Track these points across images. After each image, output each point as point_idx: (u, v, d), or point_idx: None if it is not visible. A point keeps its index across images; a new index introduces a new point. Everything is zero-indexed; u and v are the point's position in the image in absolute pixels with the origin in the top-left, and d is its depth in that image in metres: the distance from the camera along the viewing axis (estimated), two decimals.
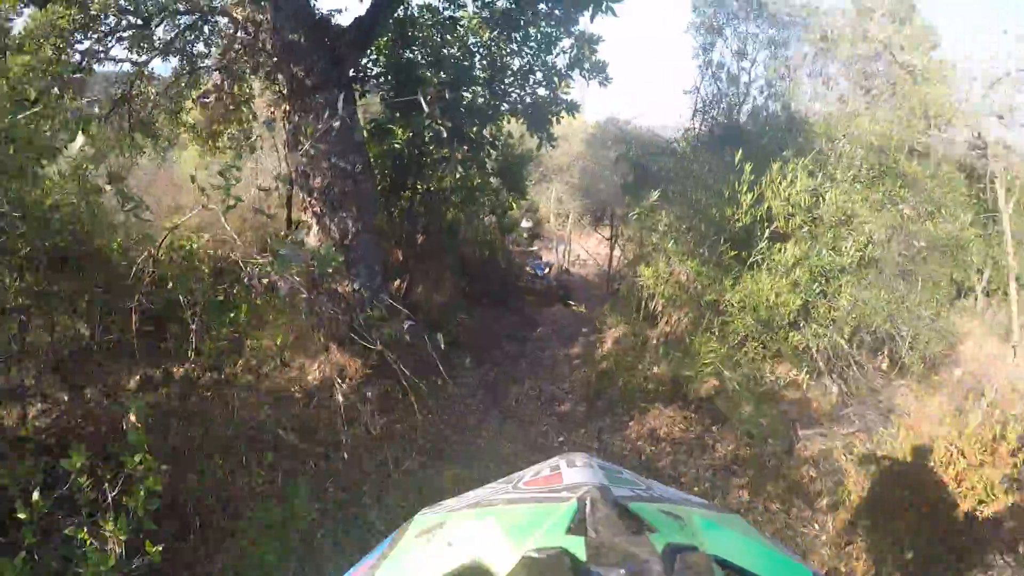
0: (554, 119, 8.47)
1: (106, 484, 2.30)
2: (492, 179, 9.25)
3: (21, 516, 2.07)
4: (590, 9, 6.84)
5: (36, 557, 2.06)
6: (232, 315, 3.11)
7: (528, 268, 15.16)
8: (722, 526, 0.89)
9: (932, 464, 4.60)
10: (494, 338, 9.21)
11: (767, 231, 7.07)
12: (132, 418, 2.24)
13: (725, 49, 11.14)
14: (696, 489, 5.68)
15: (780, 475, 5.90)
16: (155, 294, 3.00)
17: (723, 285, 6.99)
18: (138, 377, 3.46)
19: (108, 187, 2.87)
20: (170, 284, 2.88)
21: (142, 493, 2.19)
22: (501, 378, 7.83)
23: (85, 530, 2.09)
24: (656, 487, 1.05)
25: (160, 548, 2.23)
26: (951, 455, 4.41)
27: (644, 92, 28.59)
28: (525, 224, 15.44)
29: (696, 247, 7.51)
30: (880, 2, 9.30)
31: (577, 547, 0.68)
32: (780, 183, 6.97)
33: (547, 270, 15.50)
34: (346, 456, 4.98)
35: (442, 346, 4.08)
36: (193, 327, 2.78)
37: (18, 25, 6.55)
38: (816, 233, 7.12)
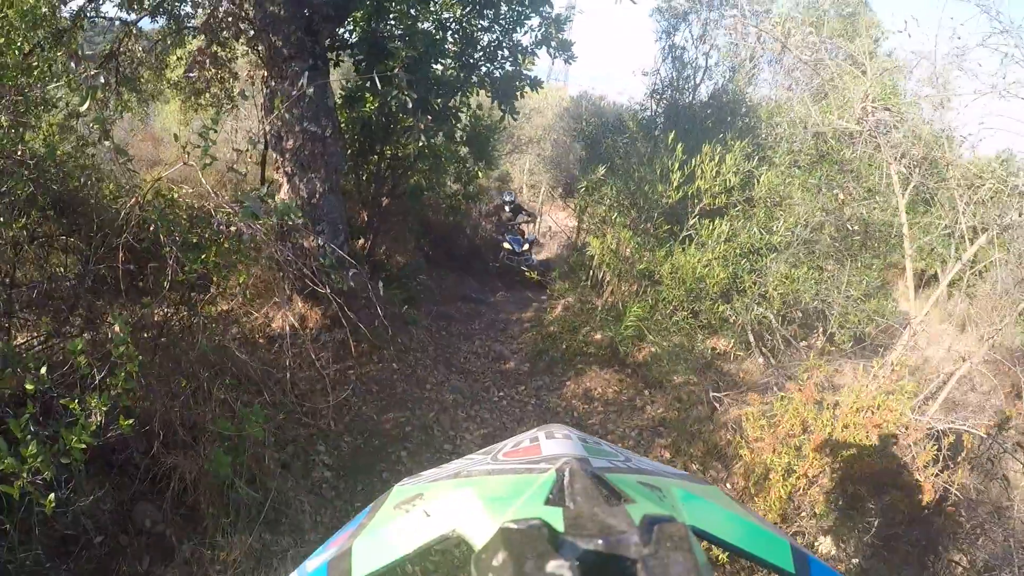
0: (518, 93, 9.13)
1: (94, 369, 2.98)
2: (461, 148, 9.82)
3: (28, 387, 2.75)
4: None
5: (33, 427, 2.70)
6: (204, 256, 3.80)
7: (505, 244, 13.17)
8: (700, 497, 0.92)
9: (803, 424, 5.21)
10: (452, 299, 9.90)
11: (697, 208, 7.75)
12: (116, 328, 2.91)
13: (689, 34, 11.90)
14: (621, 446, 6.24)
15: (700, 438, 6.51)
16: (139, 235, 3.68)
17: (656, 256, 7.69)
18: (120, 305, 4.10)
19: (107, 143, 3.52)
20: (151, 227, 3.55)
21: (123, 374, 2.87)
22: (454, 336, 8.51)
23: (76, 402, 2.75)
24: (635, 459, 1.11)
25: (131, 422, 2.93)
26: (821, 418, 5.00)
27: (626, 71, 29.17)
28: (507, 197, 14.01)
29: (636, 221, 8.23)
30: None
31: (555, 518, 0.69)
32: (708, 164, 7.64)
33: (527, 246, 13.34)
34: (296, 396, 5.68)
35: (381, 292, 4.70)
36: (170, 263, 3.45)
37: None
38: (749, 213, 7.82)
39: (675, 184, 7.74)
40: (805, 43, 6.24)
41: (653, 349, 7.53)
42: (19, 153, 3.54)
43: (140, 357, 2.96)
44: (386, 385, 6.60)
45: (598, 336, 7.91)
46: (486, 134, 10.03)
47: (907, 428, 4.68)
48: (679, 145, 7.66)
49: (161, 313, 4.43)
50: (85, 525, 3.50)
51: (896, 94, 6.34)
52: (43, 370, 2.72)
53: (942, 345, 8.12)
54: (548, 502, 0.75)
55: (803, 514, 4.73)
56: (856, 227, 7.60)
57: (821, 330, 7.97)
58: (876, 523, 4.50)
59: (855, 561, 4.62)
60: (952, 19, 8.99)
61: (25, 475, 2.48)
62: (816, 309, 7.66)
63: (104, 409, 2.75)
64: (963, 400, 7.04)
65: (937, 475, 4.56)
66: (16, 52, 4.14)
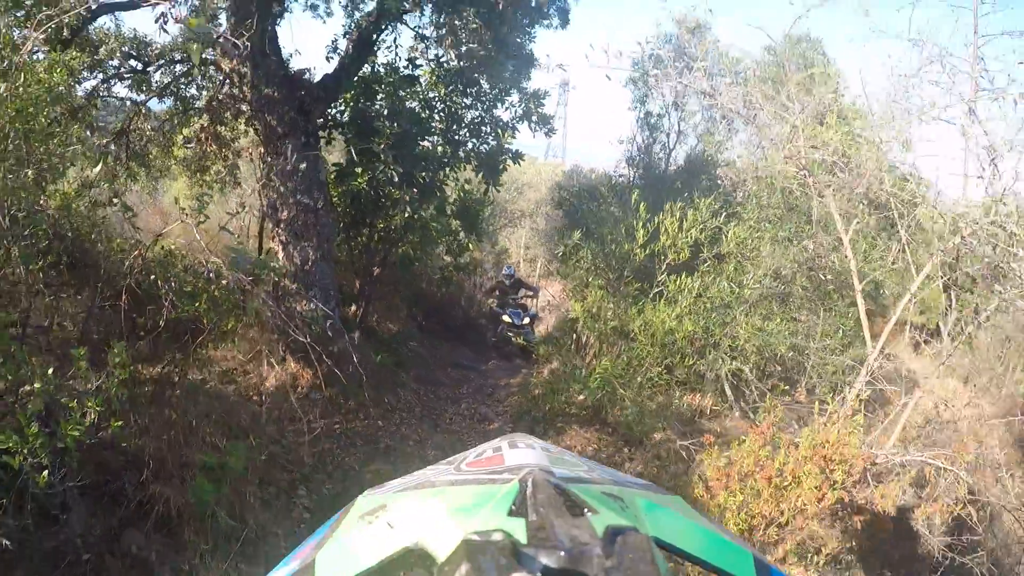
0: (502, 167, 9.74)
1: (93, 376, 3.41)
2: (452, 221, 10.34)
3: (37, 385, 3.16)
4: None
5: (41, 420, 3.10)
6: (196, 302, 4.27)
7: (505, 317, 13.07)
8: (663, 507, 0.91)
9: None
10: (443, 366, 10.30)
11: (664, 265, 8.18)
12: (115, 350, 3.35)
13: (662, 101, 12.71)
14: None
15: (677, 490, 6.76)
16: (140, 281, 4.15)
17: (629, 314, 8.09)
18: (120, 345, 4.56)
19: (115, 200, 4.03)
20: (152, 276, 4.02)
21: (116, 380, 3.29)
22: (441, 399, 8.87)
23: (75, 402, 3.16)
24: (598, 469, 1.09)
25: (120, 424, 3.36)
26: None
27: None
28: (506, 271, 14.17)
29: (610, 281, 8.68)
30: (792, 53, 10.66)
31: (518, 529, 0.70)
32: (671, 221, 8.09)
33: (527, 320, 13.26)
34: (282, 446, 6.04)
35: (355, 348, 5.12)
36: (165, 304, 3.90)
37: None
38: (719, 268, 8.24)
39: (640, 242, 8.20)
40: (730, 93, 6.69)
41: (632, 407, 7.78)
42: (40, 203, 4.02)
43: (132, 366, 3.38)
44: (370, 440, 6.94)
45: (580, 397, 8.23)
46: (475, 207, 10.55)
47: (861, 460, 4.95)
48: (642, 204, 8.16)
49: (158, 360, 4.88)
50: (75, 543, 3.86)
51: (850, 136, 6.62)
52: (49, 371, 3.16)
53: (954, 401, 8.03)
54: (511, 513, 0.75)
55: (763, 552, 4.96)
56: (828, 276, 7.89)
57: (803, 383, 8.19)
58: (831, 550, 4.76)
59: None
60: (889, 56, 9.44)
61: (25, 451, 2.90)
62: (794, 361, 7.89)
63: (98, 409, 3.16)
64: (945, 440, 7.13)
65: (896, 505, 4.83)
66: (42, 121, 4.66)
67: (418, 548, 0.77)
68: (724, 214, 8.55)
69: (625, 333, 8.19)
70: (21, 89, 3.75)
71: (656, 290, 8.19)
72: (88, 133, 5.86)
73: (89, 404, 3.16)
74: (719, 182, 8.65)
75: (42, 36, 4.70)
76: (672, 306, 7.81)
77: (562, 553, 0.65)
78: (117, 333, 4.11)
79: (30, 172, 3.93)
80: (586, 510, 0.74)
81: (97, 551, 4.09)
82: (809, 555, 4.78)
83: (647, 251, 8.26)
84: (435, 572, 0.68)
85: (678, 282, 7.88)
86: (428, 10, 8.88)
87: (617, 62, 7.14)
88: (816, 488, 4.70)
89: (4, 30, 3.99)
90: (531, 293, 14.19)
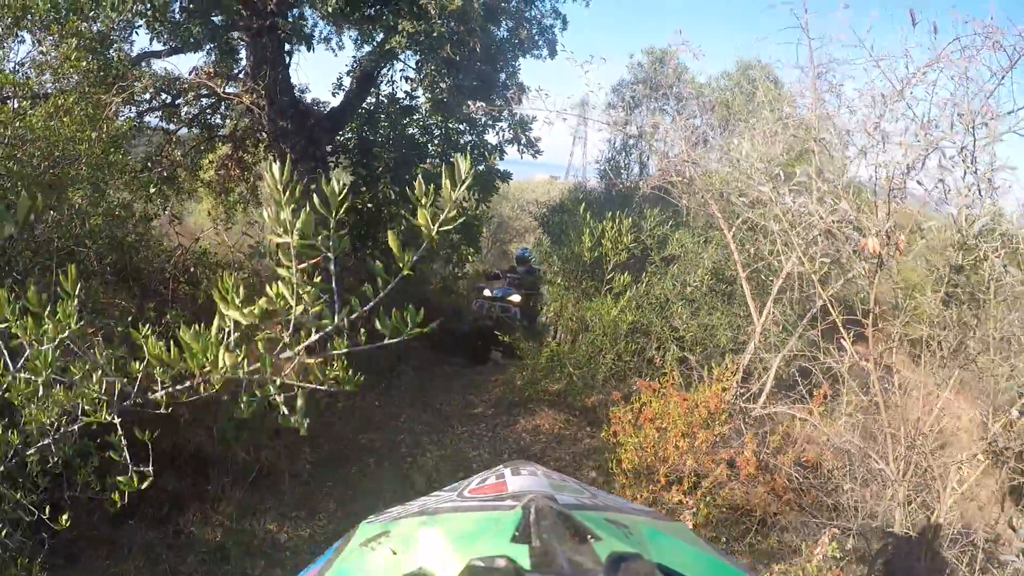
0: (493, 186, 11.56)
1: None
2: (452, 235, 12.07)
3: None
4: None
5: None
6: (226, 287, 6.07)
7: (486, 291, 12.77)
8: (668, 535, 0.94)
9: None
10: (440, 363, 11.92)
11: (610, 265, 9.79)
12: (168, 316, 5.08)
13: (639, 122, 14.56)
14: (552, 465, 7.84)
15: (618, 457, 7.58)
16: (180, 274, 5.93)
17: (583, 308, 9.72)
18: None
19: (163, 213, 5.80)
20: (192, 268, 5.78)
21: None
22: (435, 389, 10.47)
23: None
24: (601, 495, 1.12)
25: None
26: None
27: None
28: (519, 253, 14.12)
29: (571, 281, 10.37)
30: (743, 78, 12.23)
31: (521, 555, 0.72)
32: (611, 229, 9.71)
33: (517, 299, 12.54)
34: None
35: (362, 338, 6.79)
36: (201, 290, 5.65)
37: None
38: (665, 269, 9.84)
39: (587, 246, 9.84)
40: (676, 125, 8.13)
41: (601, 396, 9.22)
42: (86, 227, 5.68)
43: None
44: (367, 415, 8.49)
45: (554, 386, 9.76)
46: (474, 222, 12.26)
47: (716, 402, 6.10)
48: (588, 213, 9.82)
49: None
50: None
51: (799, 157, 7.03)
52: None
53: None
54: (514, 539, 0.78)
55: (655, 486, 6.35)
56: (768, 277, 9.07)
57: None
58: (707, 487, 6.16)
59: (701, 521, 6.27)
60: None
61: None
62: (738, 349, 9.12)
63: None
64: None
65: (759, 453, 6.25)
66: (91, 149, 6.22)
67: (422, 574, 0.81)
68: (671, 222, 10.19)
69: (586, 326, 9.75)
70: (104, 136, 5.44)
71: (607, 287, 9.79)
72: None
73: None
74: (672, 195, 10.15)
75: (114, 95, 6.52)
76: (617, 301, 9.40)
77: None
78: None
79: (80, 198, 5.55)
80: (589, 536, 0.78)
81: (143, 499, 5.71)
82: (689, 486, 6.22)
83: (595, 253, 9.89)
84: None
85: (621, 280, 9.51)
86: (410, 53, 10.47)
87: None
88: (686, 426, 5.98)
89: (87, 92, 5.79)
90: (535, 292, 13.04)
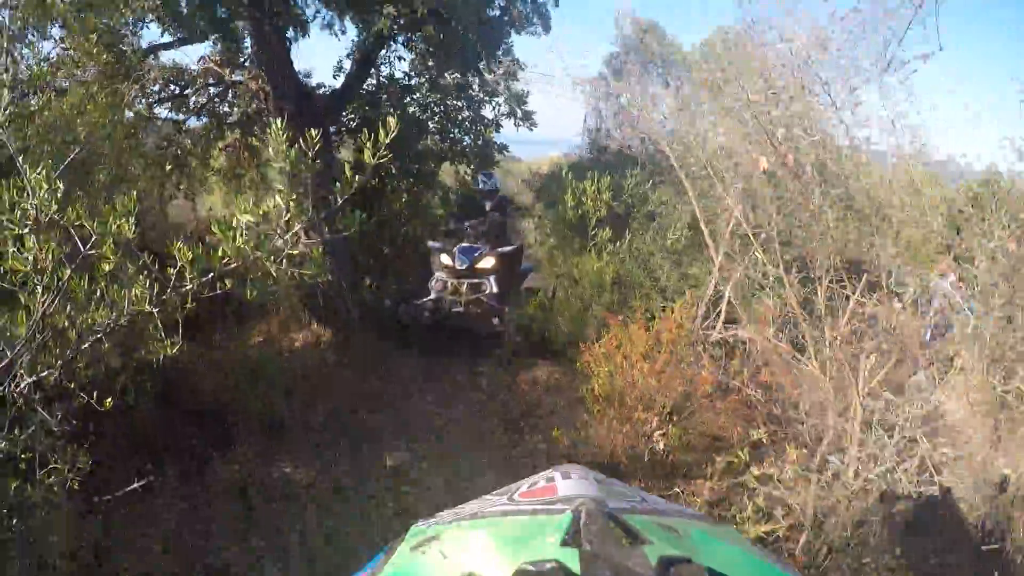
0: (492, 159, 12.41)
1: None
2: (455, 208, 12.86)
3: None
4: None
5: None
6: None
7: (443, 257, 9.77)
8: (717, 538, 1.01)
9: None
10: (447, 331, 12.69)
11: (592, 223, 10.59)
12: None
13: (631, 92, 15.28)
14: (540, 410, 8.32)
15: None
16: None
17: (571, 263, 10.50)
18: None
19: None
20: (207, 238, 6.65)
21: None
22: (440, 352, 11.20)
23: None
24: (650, 499, 1.23)
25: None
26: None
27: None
28: (482, 179, 11.36)
29: (560, 239, 11.24)
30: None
31: (571, 559, 0.76)
32: (591, 188, 10.55)
33: (490, 264, 9.62)
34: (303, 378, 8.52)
35: (367, 303, 7.67)
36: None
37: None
38: (647, 225, 10.60)
39: (570, 205, 10.70)
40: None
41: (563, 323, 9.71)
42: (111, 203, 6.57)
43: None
44: (359, 370, 8.97)
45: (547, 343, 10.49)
46: (474, 195, 13.08)
47: (672, 326, 6.78)
48: (569, 175, 10.71)
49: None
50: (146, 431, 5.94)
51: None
52: None
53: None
54: (564, 543, 0.80)
55: (624, 408, 6.70)
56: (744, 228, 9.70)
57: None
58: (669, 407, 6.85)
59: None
60: None
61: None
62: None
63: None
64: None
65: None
66: (114, 132, 6.93)
67: None
68: (651, 182, 11.01)
69: (575, 280, 10.48)
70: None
71: (592, 243, 10.59)
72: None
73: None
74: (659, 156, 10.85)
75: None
76: (601, 256, 10.20)
77: None
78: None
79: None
80: (640, 540, 0.82)
81: (163, 442, 6.17)
82: (661, 413, 6.91)
83: (578, 212, 10.73)
84: None
85: (603, 235, 10.33)
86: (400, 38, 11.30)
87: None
88: (647, 349, 6.62)
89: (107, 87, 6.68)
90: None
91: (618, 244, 10.39)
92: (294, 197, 3.37)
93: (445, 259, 9.63)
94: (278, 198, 3.62)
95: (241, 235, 3.33)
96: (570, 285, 10.21)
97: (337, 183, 3.70)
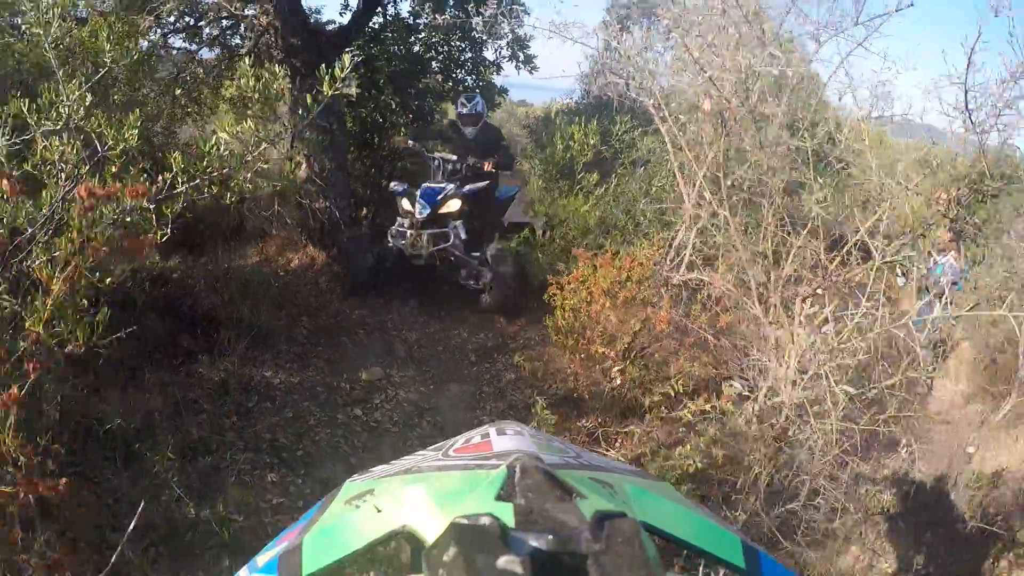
0: (495, 100, 12.89)
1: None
2: None
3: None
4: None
5: None
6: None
7: (404, 202, 8.84)
8: (651, 493, 1.00)
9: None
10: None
11: (579, 167, 11.11)
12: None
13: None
14: (514, 343, 8.81)
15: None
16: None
17: (557, 204, 10.97)
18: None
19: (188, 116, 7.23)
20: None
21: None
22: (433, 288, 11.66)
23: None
24: (585, 455, 1.18)
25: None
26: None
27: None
28: (462, 103, 10.12)
29: (549, 180, 11.75)
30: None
31: (506, 513, 0.75)
32: (578, 134, 11.08)
33: (446, 199, 8.51)
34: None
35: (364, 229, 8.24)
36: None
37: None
38: (634, 171, 11.04)
39: (559, 148, 11.23)
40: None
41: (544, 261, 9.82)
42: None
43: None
44: (361, 297, 9.54)
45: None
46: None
47: (632, 264, 7.18)
48: (559, 119, 11.20)
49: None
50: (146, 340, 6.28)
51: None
52: None
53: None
54: (499, 498, 0.80)
55: (584, 341, 7.22)
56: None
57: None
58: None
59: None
60: None
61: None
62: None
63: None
64: None
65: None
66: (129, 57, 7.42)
67: (406, 531, 0.87)
68: (639, 129, 11.46)
69: (561, 220, 10.92)
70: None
71: (579, 187, 11.10)
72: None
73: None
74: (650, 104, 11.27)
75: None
76: (587, 199, 10.66)
77: (550, 537, 0.70)
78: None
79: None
80: (574, 495, 0.81)
81: (160, 343, 6.71)
82: (621, 348, 7.10)
83: (567, 156, 11.24)
84: (423, 554, 0.72)
85: (589, 179, 10.84)
86: None
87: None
88: (608, 285, 6.98)
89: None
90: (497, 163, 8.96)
91: (604, 189, 10.87)
92: (266, 124, 3.99)
93: (406, 204, 8.67)
94: (249, 122, 4.35)
95: (219, 149, 3.89)
96: (557, 225, 10.62)
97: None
